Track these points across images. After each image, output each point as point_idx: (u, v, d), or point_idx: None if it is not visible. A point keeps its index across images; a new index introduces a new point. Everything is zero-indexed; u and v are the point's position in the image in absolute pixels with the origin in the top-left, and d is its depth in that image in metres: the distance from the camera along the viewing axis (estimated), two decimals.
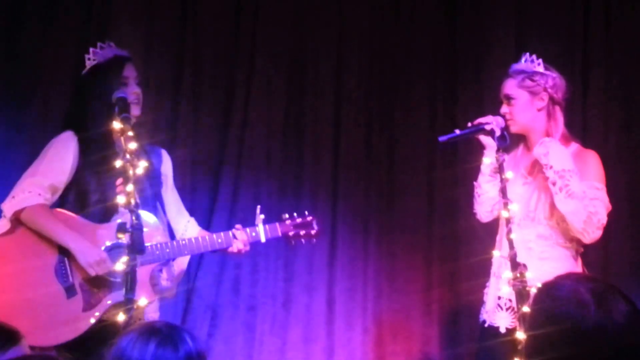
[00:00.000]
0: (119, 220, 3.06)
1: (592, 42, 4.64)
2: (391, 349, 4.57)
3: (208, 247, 3.38)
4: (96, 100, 3.32)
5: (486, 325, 3.46)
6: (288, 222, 3.54)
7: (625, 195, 4.47)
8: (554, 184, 3.32)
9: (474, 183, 3.57)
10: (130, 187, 2.95)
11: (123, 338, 1.97)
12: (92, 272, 3.15)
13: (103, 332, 3.08)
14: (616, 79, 4.60)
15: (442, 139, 3.41)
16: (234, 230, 3.43)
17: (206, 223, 4.32)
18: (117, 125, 3.11)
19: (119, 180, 3.15)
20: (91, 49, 3.40)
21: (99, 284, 3.18)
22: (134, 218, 2.91)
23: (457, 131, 3.42)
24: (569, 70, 4.63)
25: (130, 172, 2.99)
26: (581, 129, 4.47)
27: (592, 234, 3.33)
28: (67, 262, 3.20)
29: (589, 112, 4.59)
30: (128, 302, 2.89)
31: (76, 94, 3.45)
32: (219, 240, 3.39)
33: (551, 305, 1.84)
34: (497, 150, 3.32)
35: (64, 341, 3.12)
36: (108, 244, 3.24)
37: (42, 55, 4.30)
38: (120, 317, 2.89)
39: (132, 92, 3.33)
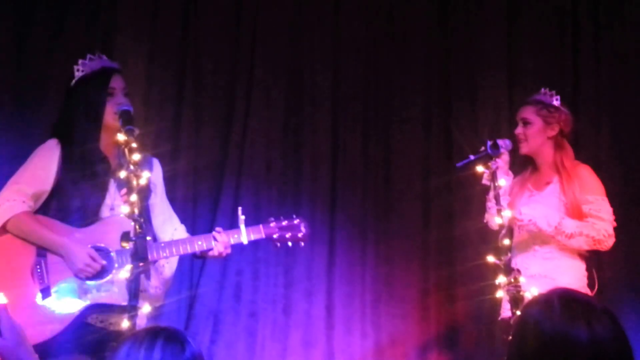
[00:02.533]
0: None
1: (582, 52, 4.70)
2: (389, 353, 4.61)
3: (187, 250, 3.29)
4: (83, 110, 3.33)
5: (499, 318, 3.69)
6: (273, 224, 3.45)
7: (616, 200, 4.52)
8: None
9: (487, 196, 3.69)
10: (134, 197, 2.97)
11: (126, 342, 2.00)
12: (83, 275, 3.15)
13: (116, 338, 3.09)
14: (606, 87, 4.67)
15: (459, 165, 3.60)
16: (214, 232, 3.36)
17: (208, 231, 4.34)
18: (121, 137, 3.10)
19: (123, 191, 3.16)
20: (80, 61, 3.41)
21: (74, 285, 3.17)
22: (137, 227, 2.92)
23: (472, 156, 3.58)
24: (560, 81, 4.71)
25: (134, 182, 3.00)
26: (573, 137, 4.55)
27: (604, 247, 3.65)
28: (43, 263, 3.18)
29: (580, 121, 4.64)
30: (132, 309, 2.90)
31: (64, 104, 3.41)
32: (199, 243, 3.31)
33: (524, 307, 1.87)
34: (490, 159, 3.46)
35: (38, 342, 3.06)
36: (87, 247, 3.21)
37: (50, 68, 4.32)
38: (125, 324, 2.90)
39: (117, 102, 3.31)
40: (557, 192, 3.69)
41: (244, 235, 3.39)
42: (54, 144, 3.33)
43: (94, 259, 3.16)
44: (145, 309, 3.14)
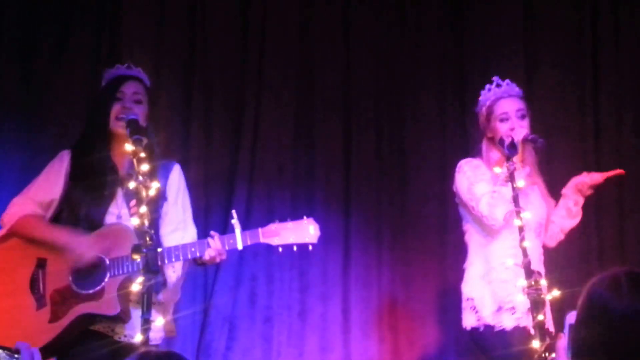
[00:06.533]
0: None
1: (602, 43, 4.65)
2: (408, 357, 4.56)
3: (180, 257, 3.20)
4: (92, 115, 3.42)
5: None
6: (274, 227, 3.27)
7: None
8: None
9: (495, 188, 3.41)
10: (143, 209, 2.93)
11: None
12: (73, 264, 3.16)
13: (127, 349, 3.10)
14: (627, 79, 4.62)
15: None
16: (208, 238, 3.25)
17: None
18: (129, 147, 3.07)
19: (133, 202, 3.13)
20: (108, 69, 3.48)
21: (68, 295, 3.17)
22: (147, 239, 2.88)
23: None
24: (579, 72, 4.64)
25: (144, 193, 2.97)
26: (594, 131, 4.50)
27: None
28: (41, 273, 3.21)
29: (601, 114, 4.59)
30: (145, 323, 2.86)
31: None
32: (192, 249, 3.21)
33: (588, 293, 1.82)
34: (508, 159, 3.31)
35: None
36: None
37: (56, 79, 4.36)
38: (138, 338, 2.87)
39: (122, 107, 3.30)
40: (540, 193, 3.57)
41: (239, 240, 3.24)
42: (65, 154, 3.38)
43: (87, 250, 3.15)
44: (159, 322, 3.14)
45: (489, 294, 3.44)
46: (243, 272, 4.49)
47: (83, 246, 3.18)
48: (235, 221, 3.25)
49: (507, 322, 3.39)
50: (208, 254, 3.23)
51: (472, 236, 3.56)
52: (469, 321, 3.47)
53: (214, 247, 3.23)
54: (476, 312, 3.45)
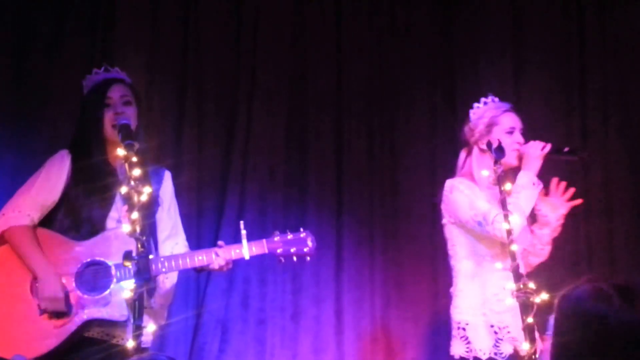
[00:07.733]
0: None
1: (588, 46, 4.68)
2: (401, 357, 4.59)
3: (187, 264, 3.28)
4: (85, 124, 3.40)
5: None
6: (277, 238, 3.39)
7: (625, 195, 4.53)
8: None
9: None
10: (135, 215, 2.93)
11: None
12: (42, 306, 3.15)
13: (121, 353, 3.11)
14: (613, 80, 4.64)
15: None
16: (216, 248, 3.33)
17: (213, 239, 4.31)
18: (121, 152, 3.08)
19: (124, 208, 3.16)
20: (87, 76, 3.48)
21: (72, 300, 3.18)
22: (139, 246, 2.89)
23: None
24: (566, 74, 4.66)
25: (135, 199, 2.96)
26: (580, 132, 4.52)
27: None
28: None
29: (588, 115, 4.61)
30: (136, 329, 2.87)
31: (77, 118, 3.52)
32: (200, 257, 3.29)
33: (574, 305, 1.78)
34: (495, 162, 3.31)
35: (35, 356, 3.12)
36: (86, 261, 3.24)
37: (50, 82, 4.36)
38: (130, 344, 2.88)
39: (115, 112, 3.32)
40: None
41: (245, 249, 3.35)
42: (64, 154, 3.38)
43: (56, 300, 3.14)
44: (150, 328, 3.18)
45: (484, 326, 3.41)
46: (236, 274, 4.49)
47: (50, 292, 3.15)
48: (243, 231, 3.35)
49: (508, 349, 3.37)
50: (217, 263, 3.30)
51: (461, 262, 3.51)
52: (457, 349, 3.43)
53: (223, 256, 3.31)
54: (468, 342, 3.41)
